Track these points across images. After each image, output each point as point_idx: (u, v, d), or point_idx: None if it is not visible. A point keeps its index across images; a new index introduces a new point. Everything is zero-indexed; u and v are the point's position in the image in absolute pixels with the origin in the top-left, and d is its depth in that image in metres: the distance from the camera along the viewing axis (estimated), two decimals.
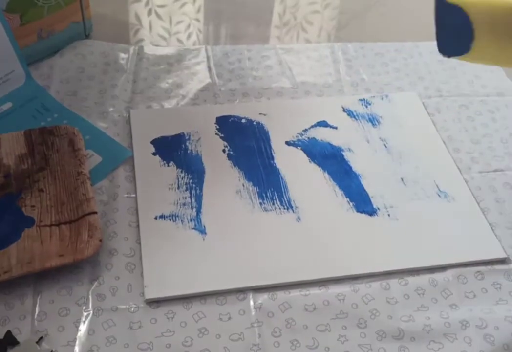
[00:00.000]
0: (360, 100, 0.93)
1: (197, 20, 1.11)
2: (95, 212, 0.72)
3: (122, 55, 0.97)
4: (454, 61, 1.02)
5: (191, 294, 0.69)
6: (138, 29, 1.06)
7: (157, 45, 1.01)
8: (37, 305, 0.67)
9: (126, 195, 0.78)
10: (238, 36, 1.06)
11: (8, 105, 0.85)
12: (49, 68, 0.92)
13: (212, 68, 0.97)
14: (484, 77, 1.01)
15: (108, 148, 0.82)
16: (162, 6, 1.12)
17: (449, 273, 0.74)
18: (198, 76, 0.95)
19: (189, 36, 1.07)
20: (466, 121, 0.93)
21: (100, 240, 0.70)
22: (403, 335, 0.68)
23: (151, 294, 0.68)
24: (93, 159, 0.80)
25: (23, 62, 0.85)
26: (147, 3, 1.12)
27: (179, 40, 1.06)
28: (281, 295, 0.70)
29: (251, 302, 0.69)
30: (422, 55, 1.04)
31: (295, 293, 0.71)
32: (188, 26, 1.09)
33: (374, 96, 0.94)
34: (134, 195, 0.78)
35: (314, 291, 0.71)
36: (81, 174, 0.75)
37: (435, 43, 1.05)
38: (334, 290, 0.71)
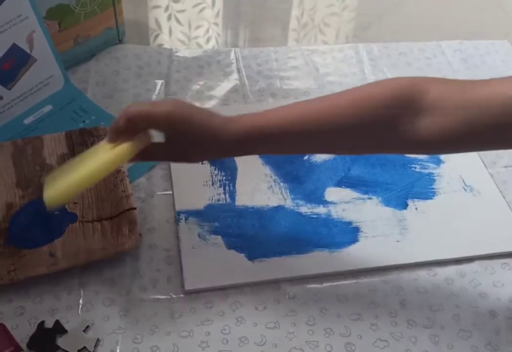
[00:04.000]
0: None
1: (216, 24, 1.14)
2: (134, 208, 0.75)
3: (155, 58, 1.01)
4: (477, 59, 1.04)
5: (228, 285, 0.72)
6: (158, 34, 1.09)
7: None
8: (83, 296, 0.70)
9: (162, 192, 0.81)
10: (256, 40, 1.08)
11: (48, 108, 0.88)
12: (85, 72, 0.96)
13: (241, 69, 1.00)
14: (507, 74, 1.01)
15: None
16: (181, 11, 1.15)
17: (476, 264, 0.77)
18: (228, 77, 0.99)
19: (208, 40, 1.10)
20: None
21: (140, 234, 0.73)
22: (433, 324, 0.71)
23: (190, 285, 0.71)
24: None
25: (61, 67, 0.89)
26: (166, 9, 1.15)
27: (198, 45, 1.09)
28: (314, 286, 0.73)
29: (286, 292, 0.72)
30: (445, 54, 1.06)
31: (327, 284, 0.74)
32: (207, 30, 1.12)
33: None
34: (170, 192, 0.81)
35: (346, 282, 0.74)
36: (120, 172, 0.78)
37: (457, 42, 1.08)
38: (365, 281, 0.74)
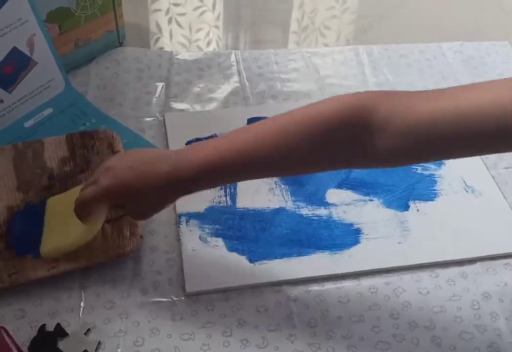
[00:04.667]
0: None
1: (217, 27, 1.14)
2: None
3: (155, 60, 1.01)
4: (477, 61, 1.04)
5: (229, 287, 0.72)
6: (158, 38, 1.10)
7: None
8: (84, 298, 0.70)
9: None
10: (257, 42, 1.08)
11: (49, 111, 0.88)
12: (86, 75, 0.96)
13: (241, 72, 1.00)
14: (507, 75, 1.01)
15: None
16: (182, 14, 1.15)
17: (478, 265, 0.77)
18: (229, 80, 0.99)
19: (208, 43, 1.10)
20: None
21: (141, 237, 0.73)
22: (434, 325, 0.71)
23: (191, 287, 0.71)
24: None
25: (62, 70, 0.89)
26: (167, 12, 1.15)
27: (199, 48, 1.09)
28: (315, 287, 0.73)
29: (287, 295, 0.72)
30: (445, 56, 1.06)
31: (328, 286, 0.73)
32: (208, 33, 1.12)
33: None
34: None
35: (347, 284, 0.74)
36: None
37: (458, 43, 1.07)
38: (367, 283, 0.74)
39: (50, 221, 0.73)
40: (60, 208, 0.73)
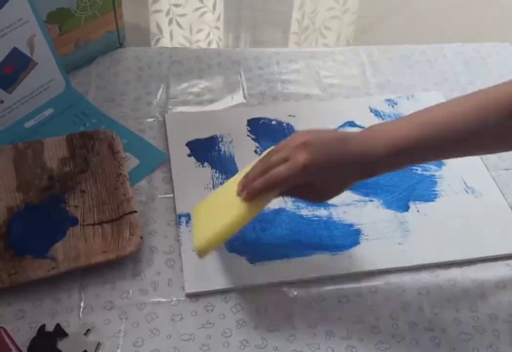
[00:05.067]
0: (387, 100, 0.96)
1: (217, 28, 1.14)
2: (135, 211, 0.75)
3: (155, 59, 1.01)
4: (478, 62, 1.04)
5: (229, 288, 0.72)
6: (159, 38, 1.10)
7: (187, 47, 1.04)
8: (83, 299, 0.70)
9: (164, 196, 0.81)
10: (257, 43, 1.08)
11: (49, 111, 0.89)
12: (86, 75, 0.96)
13: (241, 73, 1.00)
14: (509, 76, 1.01)
15: (145, 151, 0.86)
16: (182, 15, 1.15)
17: (478, 266, 0.76)
18: (228, 80, 0.99)
19: (209, 44, 1.10)
20: None
21: (141, 237, 0.73)
22: (434, 326, 0.71)
23: (191, 288, 0.71)
24: (130, 162, 0.84)
25: (62, 70, 0.89)
26: (167, 13, 1.15)
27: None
28: (315, 288, 0.73)
29: (287, 295, 0.72)
30: (446, 57, 1.06)
31: (328, 286, 0.73)
32: (208, 34, 1.12)
33: (400, 96, 0.97)
34: (171, 195, 0.81)
35: (347, 284, 0.74)
36: (121, 175, 0.78)
37: (459, 44, 1.07)
38: (367, 283, 0.74)
39: (197, 224, 0.72)
40: (205, 209, 0.72)
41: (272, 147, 0.68)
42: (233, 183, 0.69)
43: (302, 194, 0.69)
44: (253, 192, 0.65)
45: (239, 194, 0.66)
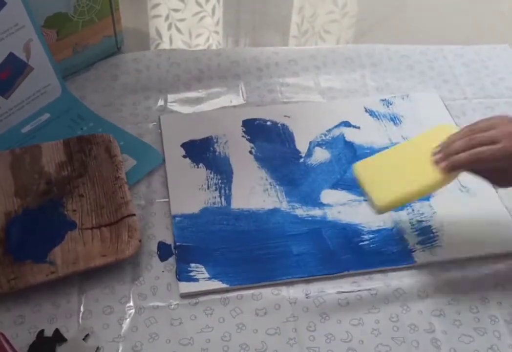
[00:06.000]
0: (382, 100, 0.96)
1: (216, 32, 1.14)
2: (134, 214, 0.75)
3: (153, 60, 1.00)
4: (477, 64, 1.04)
5: (223, 288, 0.72)
6: (158, 43, 1.10)
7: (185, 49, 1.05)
8: (82, 304, 0.70)
9: (162, 200, 0.81)
10: (256, 47, 1.07)
11: (46, 116, 0.88)
12: (84, 80, 0.96)
13: (240, 73, 1.00)
14: (508, 79, 1.02)
15: (142, 152, 0.86)
16: (181, 20, 1.15)
17: (479, 267, 0.76)
18: (226, 82, 0.98)
19: (208, 48, 1.10)
20: None
21: (140, 241, 0.73)
22: (434, 328, 0.70)
23: (185, 288, 0.71)
24: (128, 163, 0.84)
25: (59, 75, 0.89)
26: (167, 18, 1.15)
27: None
28: (314, 290, 0.73)
29: (286, 298, 0.72)
30: (446, 58, 1.05)
31: (328, 288, 0.73)
32: (208, 38, 1.12)
33: (395, 96, 0.96)
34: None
35: (346, 286, 0.73)
36: (119, 179, 0.78)
37: (459, 47, 1.07)
38: (366, 285, 0.74)
39: (371, 183, 0.72)
40: (378, 168, 0.73)
41: (480, 120, 0.70)
42: (409, 146, 0.72)
43: (490, 175, 0.70)
44: (455, 165, 0.67)
45: (437, 162, 0.68)
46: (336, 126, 0.91)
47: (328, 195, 0.82)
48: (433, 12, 1.21)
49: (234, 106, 0.95)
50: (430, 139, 0.72)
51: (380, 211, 0.70)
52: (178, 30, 1.13)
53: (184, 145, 0.87)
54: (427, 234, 0.78)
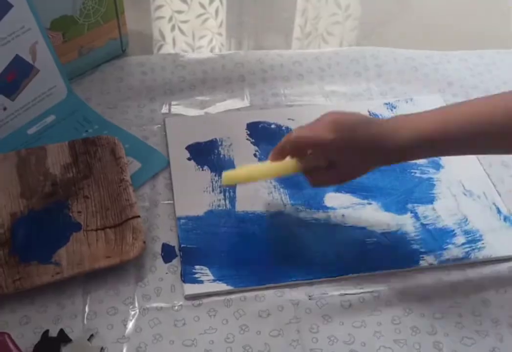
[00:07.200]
0: (386, 103, 0.96)
1: (220, 34, 1.15)
2: (138, 216, 0.76)
3: (158, 63, 1.01)
4: (481, 68, 1.04)
5: (228, 290, 0.72)
6: (162, 45, 1.10)
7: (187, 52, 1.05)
8: (87, 304, 0.71)
9: (166, 202, 0.81)
10: (260, 49, 1.07)
11: (51, 118, 0.89)
12: (90, 81, 0.96)
13: (245, 76, 1.00)
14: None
15: (147, 154, 0.86)
16: (185, 22, 1.15)
17: (481, 270, 0.77)
18: (231, 85, 0.99)
19: (211, 50, 1.11)
20: None
21: (144, 242, 0.73)
22: (436, 330, 0.71)
23: (190, 290, 0.72)
24: (132, 165, 0.84)
25: (64, 77, 0.89)
26: (170, 19, 1.15)
27: None
28: (317, 292, 0.73)
29: (289, 299, 0.72)
30: (450, 63, 1.05)
31: (331, 290, 0.74)
32: (211, 40, 1.13)
33: (399, 100, 0.97)
34: (174, 201, 0.81)
35: (349, 288, 0.74)
36: (123, 181, 0.79)
37: (463, 52, 1.07)
38: (369, 287, 0.74)
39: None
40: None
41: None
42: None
43: (323, 175, 0.71)
44: (277, 150, 0.71)
45: (271, 157, 0.72)
46: None
47: (332, 198, 0.82)
48: (436, 15, 1.21)
49: (239, 109, 0.95)
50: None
51: (225, 182, 0.73)
52: (182, 31, 1.14)
53: (188, 148, 0.87)
54: (430, 238, 0.79)
